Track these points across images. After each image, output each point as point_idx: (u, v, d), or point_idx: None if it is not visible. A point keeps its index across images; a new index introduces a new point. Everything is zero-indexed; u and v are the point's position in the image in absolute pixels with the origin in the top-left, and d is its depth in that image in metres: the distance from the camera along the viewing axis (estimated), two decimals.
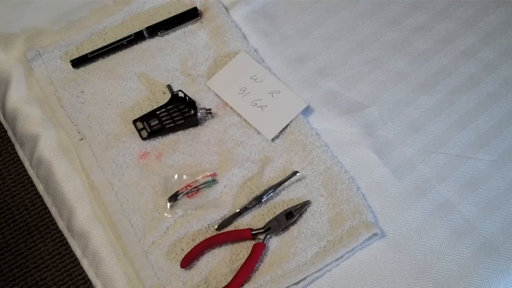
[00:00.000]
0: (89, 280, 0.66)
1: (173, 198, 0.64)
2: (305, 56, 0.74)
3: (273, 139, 0.68)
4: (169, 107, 0.69)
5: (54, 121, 0.71)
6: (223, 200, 0.65)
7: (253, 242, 0.62)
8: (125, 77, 0.72)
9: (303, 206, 0.63)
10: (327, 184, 0.64)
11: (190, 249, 0.61)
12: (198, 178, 0.65)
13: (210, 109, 0.69)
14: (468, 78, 0.72)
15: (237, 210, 0.64)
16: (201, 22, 0.76)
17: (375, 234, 0.62)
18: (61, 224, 0.70)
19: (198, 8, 0.76)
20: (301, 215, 0.63)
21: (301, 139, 0.67)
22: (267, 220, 0.63)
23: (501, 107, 0.70)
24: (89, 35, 0.75)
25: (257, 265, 0.61)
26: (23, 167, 0.78)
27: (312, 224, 0.62)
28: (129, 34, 0.74)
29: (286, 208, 0.63)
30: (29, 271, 1.03)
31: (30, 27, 0.78)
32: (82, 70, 0.73)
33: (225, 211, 0.64)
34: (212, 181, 0.65)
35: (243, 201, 0.64)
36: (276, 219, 0.63)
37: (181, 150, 0.68)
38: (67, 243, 0.75)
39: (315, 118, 0.70)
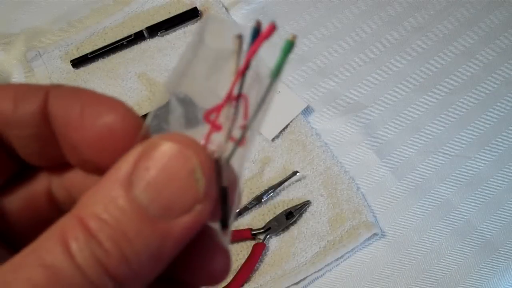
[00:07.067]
0: None
1: None
2: (305, 56, 0.74)
3: (273, 139, 0.68)
4: None
5: None
6: None
7: (253, 242, 0.62)
8: (125, 77, 0.72)
9: (303, 206, 0.63)
10: (327, 184, 0.64)
11: None
12: None
13: None
14: (468, 78, 0.72)
15: (237, 210, 0.64)
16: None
17: (375, 234, 0.62)
18: None
19: (198, 8, 0.76)
20: (301, 215, 0.63)
21: (301, 139, 0.67)
22: (267, 220, 0.63)
23: (501, 107, 0.70)
24: (89, 35, 0.75)
25: (257, 265, 0.61)
26: None
27: (312, 224, 0.62)
28: (129, 34, 0.74)
29: (286, 208, 0.63)
30: None
31: (30, 27, 0.78)
32: (82, 70, 0.73)
33: None
34: None
35: (243, 201, 0.64)
36: (276, 219, 0.63)
37: None
38: None
39: (315, 118, 0.70)
